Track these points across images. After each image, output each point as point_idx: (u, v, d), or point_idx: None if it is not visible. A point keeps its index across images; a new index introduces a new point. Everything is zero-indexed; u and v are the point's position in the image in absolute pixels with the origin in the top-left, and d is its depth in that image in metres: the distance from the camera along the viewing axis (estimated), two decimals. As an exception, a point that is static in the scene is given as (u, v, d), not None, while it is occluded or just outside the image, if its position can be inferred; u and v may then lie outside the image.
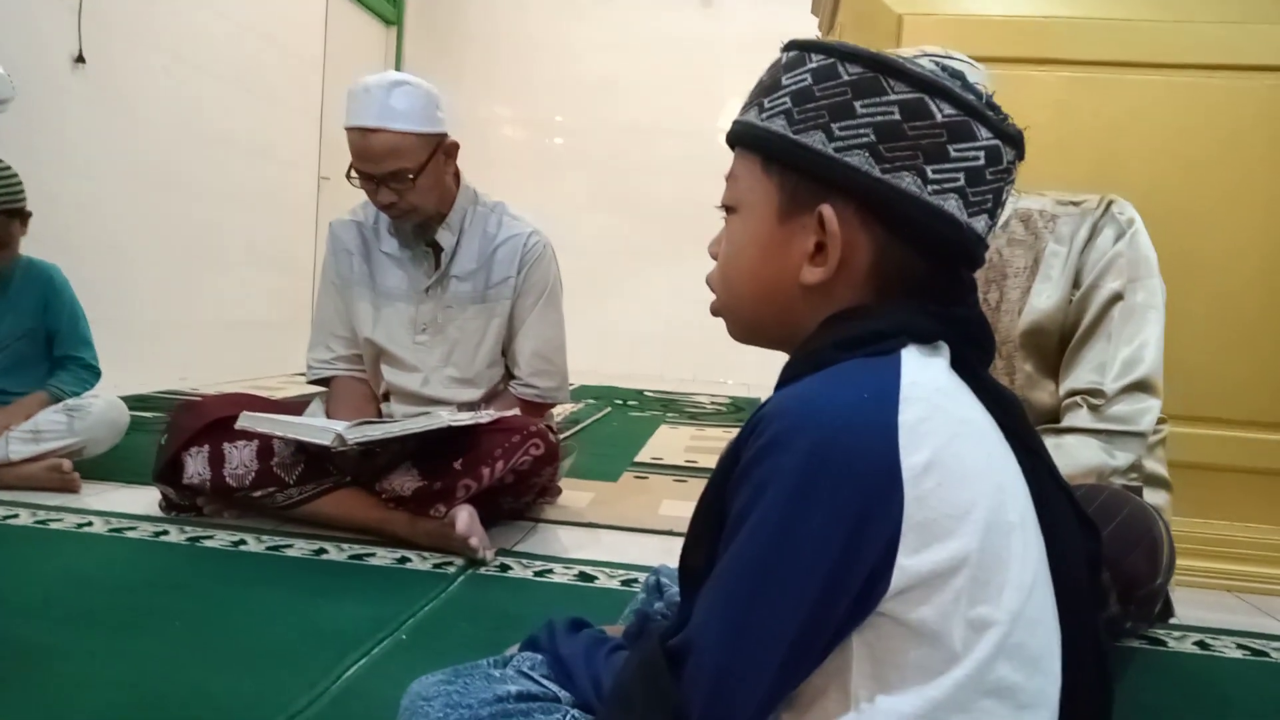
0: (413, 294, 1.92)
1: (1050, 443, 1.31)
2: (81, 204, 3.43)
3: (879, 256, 0.67)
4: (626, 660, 0.68)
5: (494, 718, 0.67)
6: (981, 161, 0.65)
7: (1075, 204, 1.41)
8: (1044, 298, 1.38)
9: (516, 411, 1.85)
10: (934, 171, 0.64)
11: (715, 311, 0.76)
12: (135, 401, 3.12)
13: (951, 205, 0.65)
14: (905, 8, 1.79)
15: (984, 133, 0.65)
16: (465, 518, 1.58)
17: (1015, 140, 0.67)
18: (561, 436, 3.14)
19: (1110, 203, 1.38)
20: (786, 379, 0.67)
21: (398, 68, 6.15)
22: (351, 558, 1.61)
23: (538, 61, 6.06)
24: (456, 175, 1.92)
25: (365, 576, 1.53)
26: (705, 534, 0.66)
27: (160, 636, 1.20)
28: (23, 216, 2.05)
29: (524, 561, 1.64)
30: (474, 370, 1.93)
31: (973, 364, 0.69)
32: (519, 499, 1.84)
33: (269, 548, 1.64)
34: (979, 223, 0.66)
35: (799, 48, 0.69)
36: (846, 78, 0.66)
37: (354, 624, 1.28)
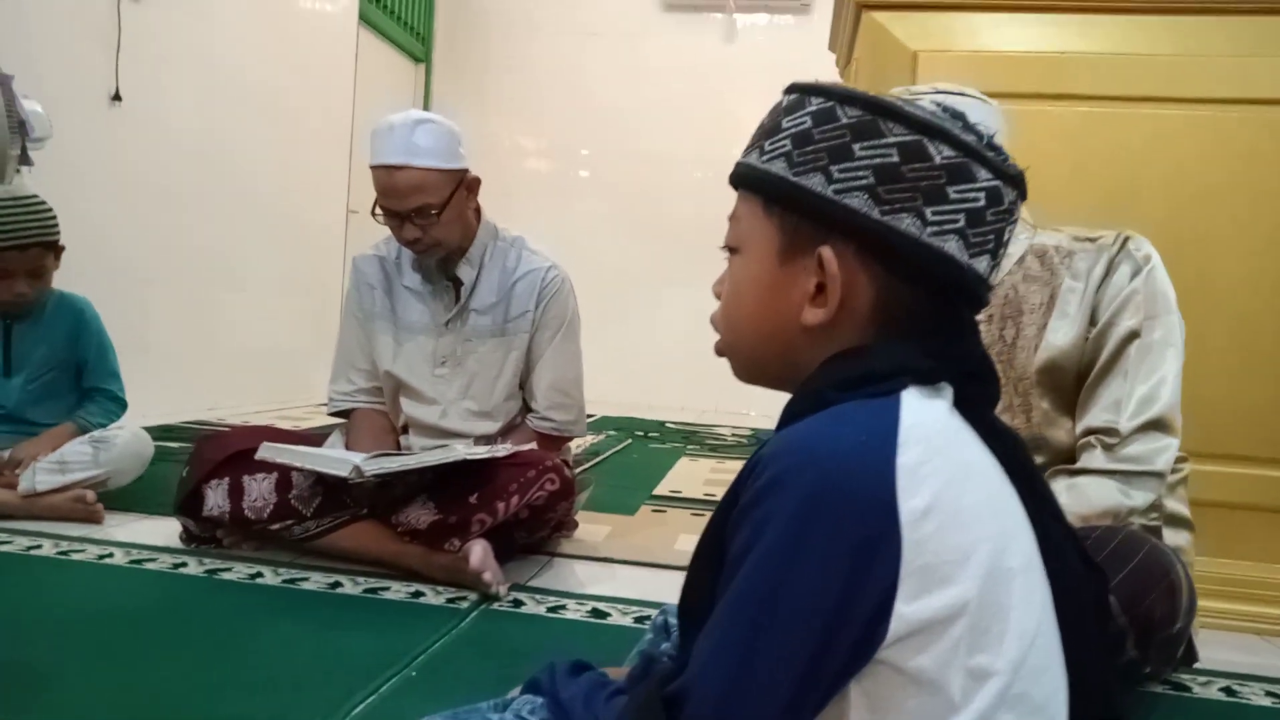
0: (433, 327, 1.95)
1: (1064, 483, 1.30)
2: (116, 236, 3.50)
3: (880, 297, 0.67)
4: (625, 705, 0.67)
5: (491, 760, 0.66)
6: (982, 203, 0.65)
7: (1092, 240, 1.41)
8: (1060, 334, 1.37)
9: (534, 445, 1.86)
10: (933, 213, 0.65)
11: (719, 352, 0.77)
12: (162, 431, 3.17)
13: (952, 246, 0.65)
14: (920, 44, 1.80)
15: (984, 174, 0.65)
16: (479, 552, 1.59)
17: (1016, 181, 0.67)
18: (581, 469, 3.15)
19: (1127, 239, 1.38)
20: (787, 419, 0.67)
21: (426, 104, 6.25)
22: (366, 591, 1.62)
23: (561, 94, 6.14)
24: (478, 210, 1.95)
25: (379, 610, 1.54)
26: (705, 575, 0.66)
27: (171, 668, 1.22)
28: (56, 249, 2.10)
29: (537, 597, 1.64)
30: (492, 403, 1.95)
31: (977, 404, 0.69)
32: (534, 533, 1.84)
33: (285, 580, 1.65)
34: (980, 263, 0.66)
35: (799, 90, 0.70)
36: (845, 120, 0.66)
37: (365, 658, 1.28)
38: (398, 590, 1.63)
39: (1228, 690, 1.42)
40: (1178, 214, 1.74)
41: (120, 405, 2.23)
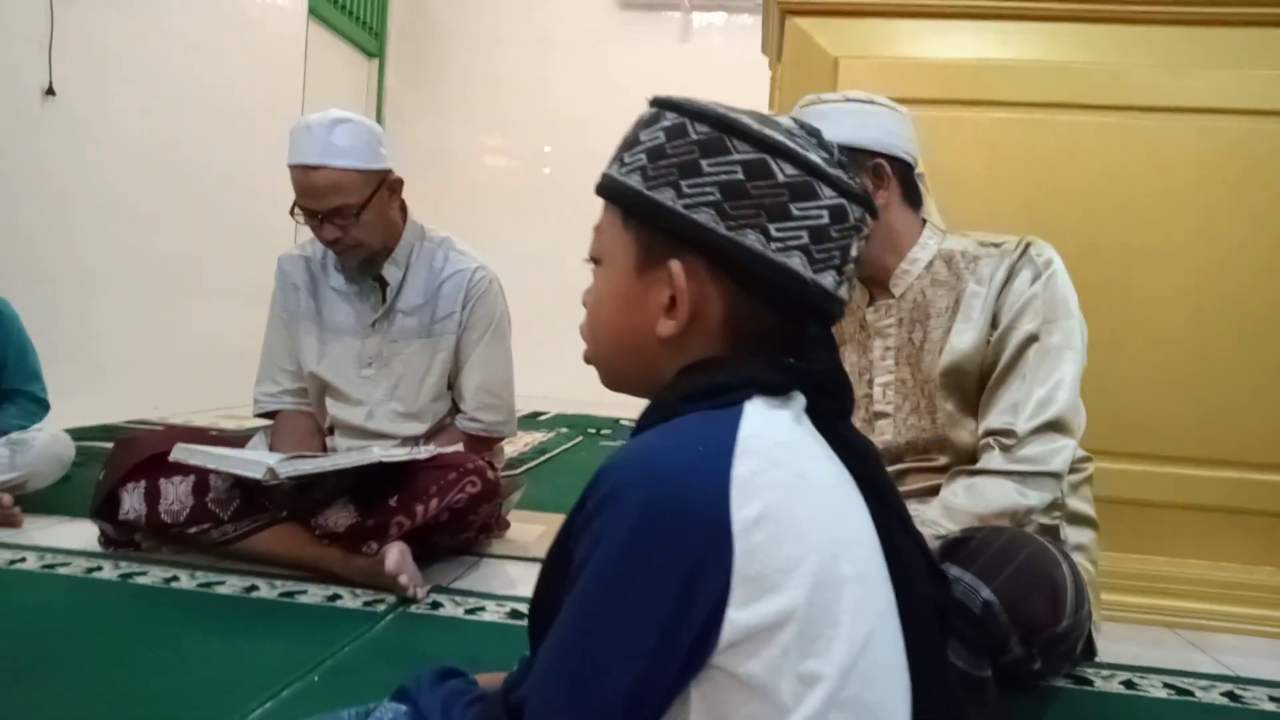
0: (359, 328, 1.94)
1: (963, 484, 1.32)
2: (52, 235, 3.43)
3: (730, 310, 0.68)
4: (477, 713, 0.68)
5: (334, 770, 0.67)
6: (825, 220, 0.66)
7: (996, 246, 1.43)
8: (964, 338, 1.39)
9: (459, 446, 1.85)
10: (777, 229, 0.66)
11: (586, 360, 0.77)
12: (101, 431, 3.12)
13: (795, 262, 0.66)
14: (841, 50, 1.82)
15: (827, 192, 0.66)
16: (395, 555, 1.58)
17: (860, 199, 0.69)
18: (524, 467, 3.15)
19: (1028, 245, 1.40)
20: (639, 428, 0.68)
21: (379, 100, 6.20)
22: (282, 595, 1.61)
23: (517, 94, 6.12)
24: (403, 210, 1.94)
25: (294, 615, 1.53)
26: (552, 583, 0.66)
27: (70, 678, 1.20)
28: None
29: (457, 599, 1.64)
30: (418, 404, 1.94)
31: (828, 416, 0.70)
32: (456, 536, 1.84)
33: (200, 584, 1.63)
34: (825, 279, 0.68)
35: (658, 104, 0.71)
36: (694, 137, 0.67)
37: (270, 665, 1.28)
38: (314, 594, 1.62)
39: (1128, 683, 1.45)
40: (1095, 220, 1.77)
41: (42, 407, 2.19)
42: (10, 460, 1.99)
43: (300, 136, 1.73)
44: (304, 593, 1.62)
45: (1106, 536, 1.48)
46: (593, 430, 4.38)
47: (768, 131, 0.66)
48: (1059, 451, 1.30)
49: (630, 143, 0.71)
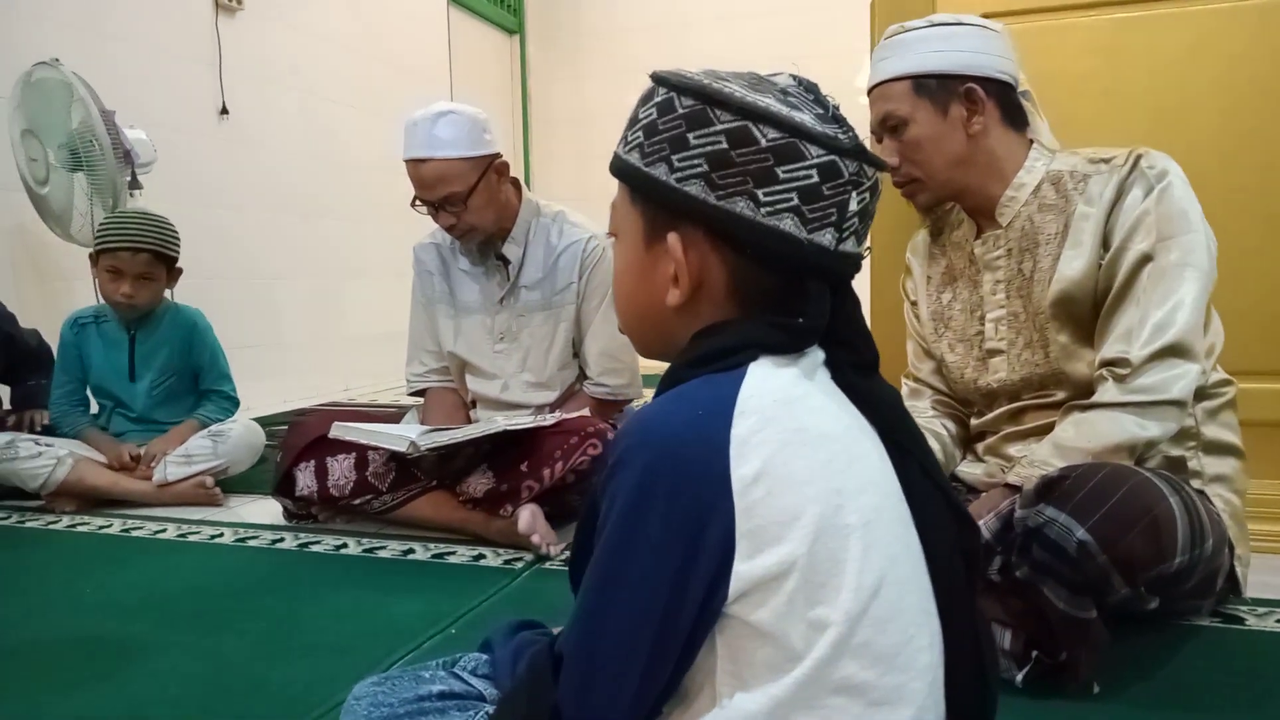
0: (488, 306, 2.06)
1: (1074, 419, 1.26)
2: (231, 239, 3.80)
3: (732, 276, 0.70)
4: (529, 660, 0.75)
5: (410, 715, 0.75)
6: (815, 179, 0.67)
7: (1105, 161, 1.33)
8: (1073, 264, 1.32)
9: (586, 411, 1.94)
10: (765, 195, 0.67)
11: (620, 330, 0.82)
12: (295, 414, 3.47)
13: (787, 224, 0.67)
14: (937, -32, 1.72)
15: (814, 151, 0.66)
16: (527, 516, 1.69)
17: (853, 152, 0.68)
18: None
19: (1139, 157, 1.30)
20: (656, 394, 0.72)
21: (523, 74, 6.38)
22: (434, 556, 1.76)
23: (654, 44, 6.10)
24: (517, 189, 2.03)
25: (444, 573, 1.68)
26: (586, 537, 0.72)
27: (243, 636, 1.39)
28: (169, 264, 2.33)
29: (588, 554, 1.73)
30: (547, 374, 2.05)
31: (843, 368, 0.71)
32: (584, 496, 1.93)
33: (365, 550, 1.82)
34: (823, 237, 0.68)
35: (654, 79, 0.73)
36: (680, 111, 0.69)
37: (416, 620, 1.42)
38: (462, 554, 1.77)
39: (1287, 620, 1.35)
40: (1234, 117, 1.60)
41: (233, 403, 2.48)
42: (213, 449, 2.27)
43: (409, 133, 1.85)
44: (453, 553, 1.77)
45: (1255, 463, 1.36)
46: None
47: (751, 97, 0.67)
48: (1180, 378, 1.21)
49: (632, 120, 0.74)
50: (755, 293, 0.70)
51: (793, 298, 0.70)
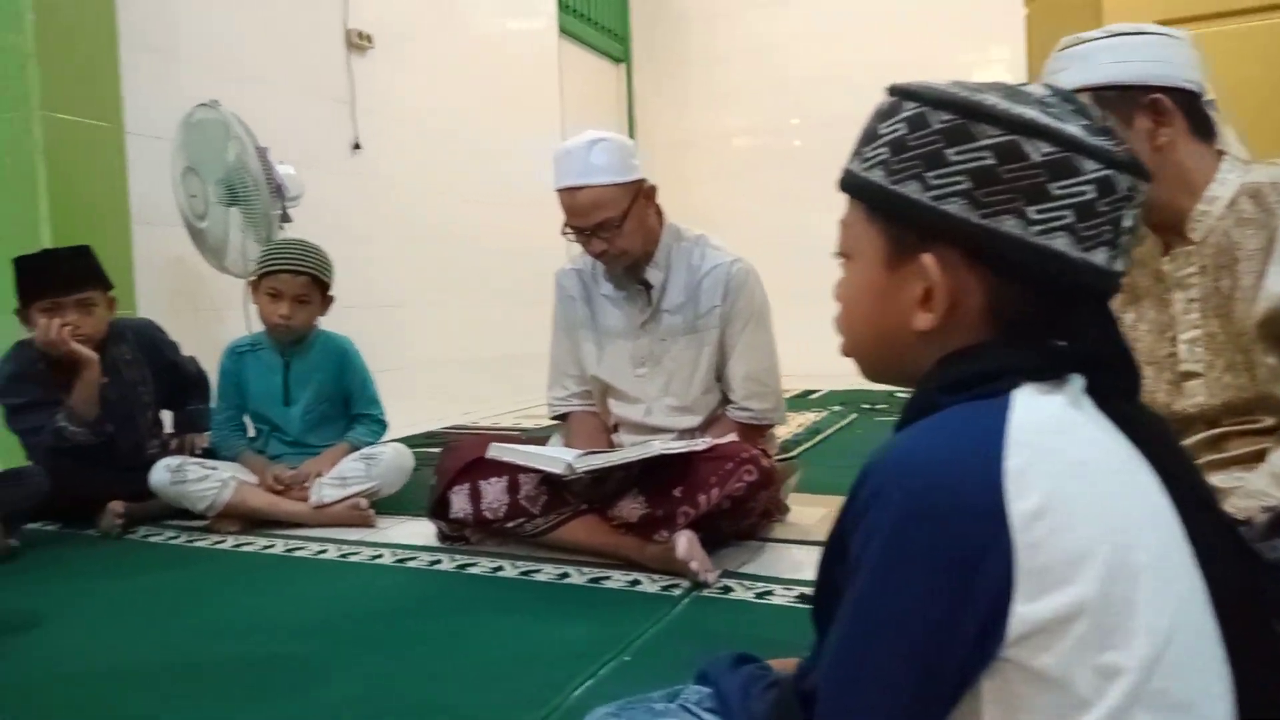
0: (630, 330, 2.07)
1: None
2: (371, 270, 3.96)
3: (991, 298, 0.67)
4: (773, 699, 0.73)
5: (650, 748, 0.75)
6: (1092, 195, 0.63)
7: (1314, 170, 1.25)
8: (1282, 281, 1.23)
9: (733, 436, 1.93)
10: (1037, 212, 0.64)
11: (844, 354, 0.79)
12: (425, 437, 3.56)
13: (1060, 243, 0.64)
14: (1104, -24, 1.66)
15: (1090, 165, 0.63)
16: (684, 543, 1.68)
17: (1129, 166, 0.65)
18: (800, 449, 3.18)
19: (1355, 164, 1.21)
20: (904, 421, 0.69)
21: (629, 101, 6.46)
22: (590, 581, 1.77)
23: (758, 68, 6.09)
24: (659, 214, 2.04)
25: (601, 599, 1.68)
26: (832, 572, 0.70)
27: (415, 658, 1.42)
28: (324, 290, 2.44)
29: (745, 583, 1.71)
30: (691, 398, 2.04)
31: (1111, 396, 0.67)
32: (739, 523, 1.91)
33: (521, 573, 1.84)
34: (1097, 256, 0.65)
35: (896, 94, 0.71)
36: (937, 126, 0.66)
37: (585, 645, 1.42)
38: (618, 580, 1.77)
39: None
40: None
41: (382, 426, 2.56)
42: (366, 472, 2.35)
43: (562, 161, 1.88)
44: (608, 578, 1.77)
45: None
46: (867, 405, 4.30)
47: (1017, 109, 0.64)
48: None
49: (870, 136, 0.71)
50: (1014, 315, 0.67)
51: (1056, 319, 0.67)
